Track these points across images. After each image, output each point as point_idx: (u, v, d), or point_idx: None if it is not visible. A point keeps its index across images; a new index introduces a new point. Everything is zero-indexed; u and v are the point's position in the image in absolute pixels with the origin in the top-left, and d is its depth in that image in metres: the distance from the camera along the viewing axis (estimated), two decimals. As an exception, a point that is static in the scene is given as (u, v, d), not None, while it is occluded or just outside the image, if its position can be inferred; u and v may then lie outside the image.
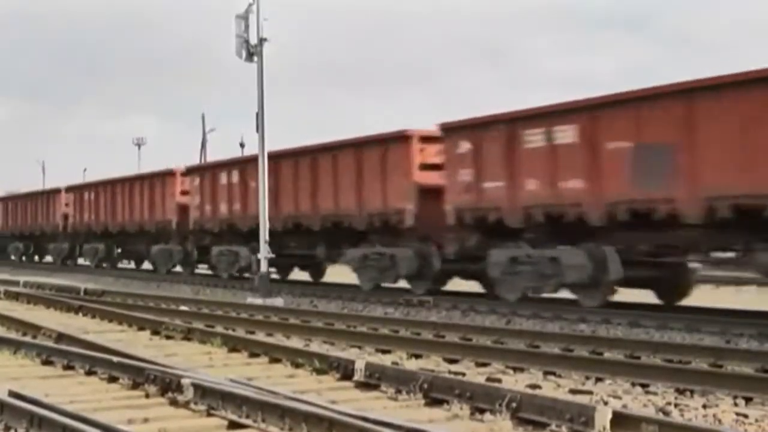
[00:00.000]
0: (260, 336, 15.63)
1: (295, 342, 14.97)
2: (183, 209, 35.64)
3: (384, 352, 13.80)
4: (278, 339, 15.38)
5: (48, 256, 50.23)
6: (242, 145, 67.23)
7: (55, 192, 48.41)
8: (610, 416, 7.71)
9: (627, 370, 11.27)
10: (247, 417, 8.37)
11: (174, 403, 9.27)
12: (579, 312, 18.90)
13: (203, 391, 9.08)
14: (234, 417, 8.46)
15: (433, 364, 12.52)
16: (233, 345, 13.96)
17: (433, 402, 9.40)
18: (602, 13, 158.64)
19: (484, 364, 12.33)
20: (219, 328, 16.34)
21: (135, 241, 39.98)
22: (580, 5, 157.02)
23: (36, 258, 52.30)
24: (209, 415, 8.75)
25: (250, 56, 25.52)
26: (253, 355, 13.22)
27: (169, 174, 37.40)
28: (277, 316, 19.29)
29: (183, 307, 21.10)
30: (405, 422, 7.46)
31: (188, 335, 15.42)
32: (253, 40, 25.37)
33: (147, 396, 9.78)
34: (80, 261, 46.10)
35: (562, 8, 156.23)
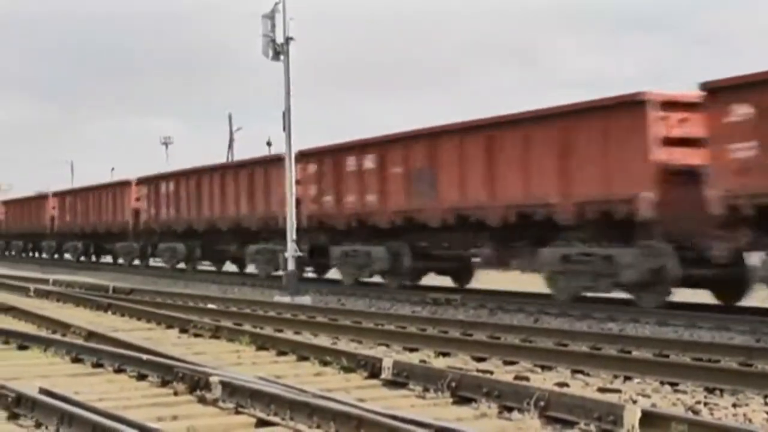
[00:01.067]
0: (288, 334, 15.66)
1: (323, 340, 14.98)
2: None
3: (411, 350, 13.80)
4: (306, 337, 15.40)
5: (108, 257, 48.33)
6: (269, 144, 67.28)
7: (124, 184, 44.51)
8: (639, 415, 7.68)
9: (656, 368, 11.20)
10: (276, 415, 8.38)
11: (202, 401, 9.30)
12: (607, 311, 18.83)
13: (231, 389, 9.11)
14: (262, 415, 8.48)
15: (461, 362, 12.51)
16: (261, 343, 14.00)
17: (461, 400, 9.39)
18: (629, 13, 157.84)
19: (512, 363, 12.30)
20: (247, 327, 16.37)
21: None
22: (608, 5, 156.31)
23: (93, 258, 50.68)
24: (237, 413, 8.77)
25: (276, 55, 25.62)
26: (281, 353, 13.24)
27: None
28: (305, 314, 19.30)
29: (211, 306, 21.16)
30: (433, 420, 7.46)
31: (216, 333, 15.47)
32: (279, 40, 25.45)
33: (175, 394, 9.82)
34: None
35: (589, 8, 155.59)
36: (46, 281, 29.98)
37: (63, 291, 25.64)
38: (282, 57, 25.63)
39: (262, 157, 34.06)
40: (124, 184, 44.14)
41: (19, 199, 63.82)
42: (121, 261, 44.85)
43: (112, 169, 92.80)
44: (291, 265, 25.44)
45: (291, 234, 25.69)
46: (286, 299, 23.51)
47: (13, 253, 61.83)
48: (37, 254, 58.76)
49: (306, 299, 23.90)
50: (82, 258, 50.00)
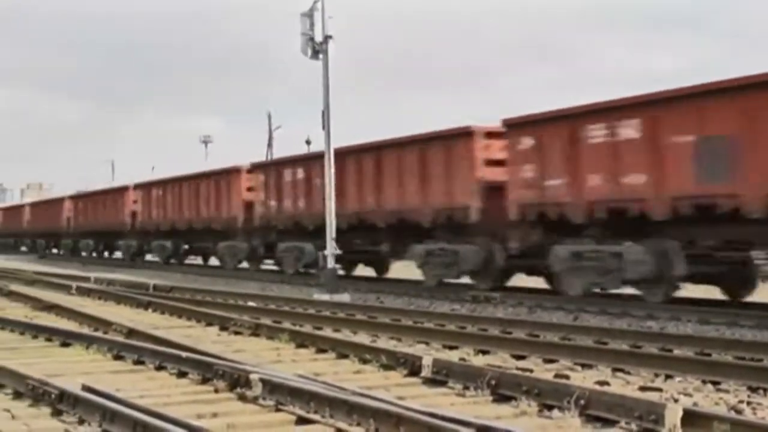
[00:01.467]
0: (327, 332, 15.68)
1: (362, 338, 14.99)
2: (248, 206, 36.59)
3: (451, 348, 13.78)
4: (345, 335, 15.42)
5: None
6: (308, 143, 67.53)
7: (124, 189, 49.01)
8: (680, 414, 7.63)
9: (697, 367, 11.11)
10: (315, 412, 8.41)
11: (242, 398, 9.34)
12: (647, 309, 18.73)
13: (271, 387, 9.14)
14: (302, 412, 8.51)
15: (501, 360, 12.48)
16: (301, 341, 14.03)
17: (501, 398, 9.38)
18: (667, 10, 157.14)
19: (552, 361, 12.26)
20: (286, 324, 16.41)
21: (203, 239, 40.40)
22: (645, 2, 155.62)
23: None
24: (277, 410, 8.80)
25: (315, 54, 25.68)
26: (320, 350, 13.27)
27: (234, 171, 37.84)
28: (344, 312, 19.32)
29: (251, 303, 21.24)
30: (473, 419, 7.45)
31: (256, 331, 15.52)
32: (318, 38, 25.51)
33: (216, 391, 9.86)
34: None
35: (626, 6, 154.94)
36: (87, 279, 30.23)
37: (104, 289, 25.84)
38: (321, 55, 25.70)
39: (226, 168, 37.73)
40: (123, 189, 48.78)
41: (90, 193, 60.93)
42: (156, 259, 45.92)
43: (152, 168, 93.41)
44: (330, 263, 25.50)
45: (330, 232, 25.73)
46: (325, 297, 23.56)
47: (83, 254, 57.16)
48: (110, 255, 55.21)
49: (345, 297, 23.93)
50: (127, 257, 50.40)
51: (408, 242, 26.90)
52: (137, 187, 48.43)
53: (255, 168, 36.38)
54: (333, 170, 26.18)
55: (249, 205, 35.91)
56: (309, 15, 25.45)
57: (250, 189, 36.00)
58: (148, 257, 47.18)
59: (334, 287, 24.77)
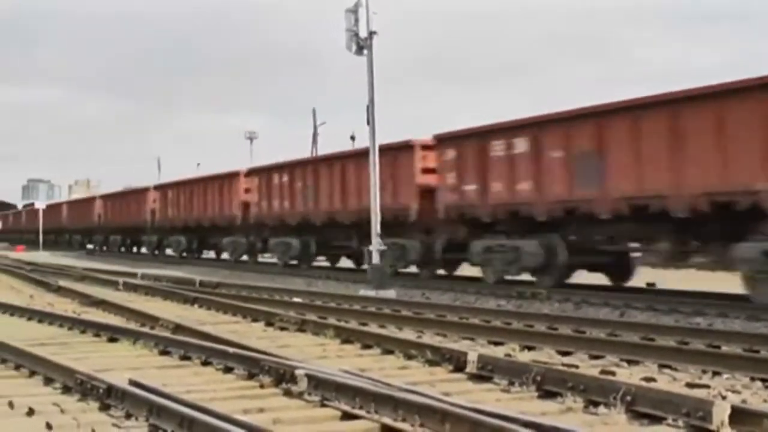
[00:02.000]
0: (373, 328, 15.70)
1: (408, 334, 14.99)
2: (245, 206, 40.40)
3: (496, 344, 13.74)
4: (390, 331, 15.42)
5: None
6: (353, 138, 67.59)
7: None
8: (729, 411, 7.56)
9: (746, 364, 10.99)
10: (361, 408, 8.42)
11: (288, 393, 9.38)
12: (695, 305, 18.58)
13: (317, 382, 9.17)
14: (347, 408, 8.52)
15: (546, 356, 12.43)
16: (346, 336, 14.06)
17: (546, 394, 9.34)
18: (705, 6, 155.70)
19: (598, 357, 12.19)
20: (332, 320, 16.46)
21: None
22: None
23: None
24: (323, 405, 8.83)
25: (360, 49, 25.72)
26: (365, 346, 13.29)
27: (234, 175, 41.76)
28: (390, 307, 19.33)
29: (296, 299, 21.31)
30: (518, 415, 7.42)
31: (302, 327, 15.57)
32: (363, 34, 25.54)
33: (261, 387, 9.91)
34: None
35: (664, 2, 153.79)
36: (134, 275, 30.47)
37: (151, 285, 26.03)
38: (365, 51, 25.73)
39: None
40: (145, 190, 50.85)
41: (117, 193, 65.99)
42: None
43: (198, 164, 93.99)
44: (376, 259, 25.52)
45: (375, 228, 25.76)
46: (371, 293, 23.58)
47: (107, 248, 62.55)
48: (137, 249, 59.09)
49: (391, 293, 23.92)
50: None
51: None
52: (157, 188, 53.69)
53: (251, 173, 40.69)
54: (378, 166, 26.22)
55: (246, 206, 40.13)
56: (353, 11, 25.52)
57: (247, 191, 40.11)
58: (168, 251, 51.29)
59: (379, 283, 24.78)
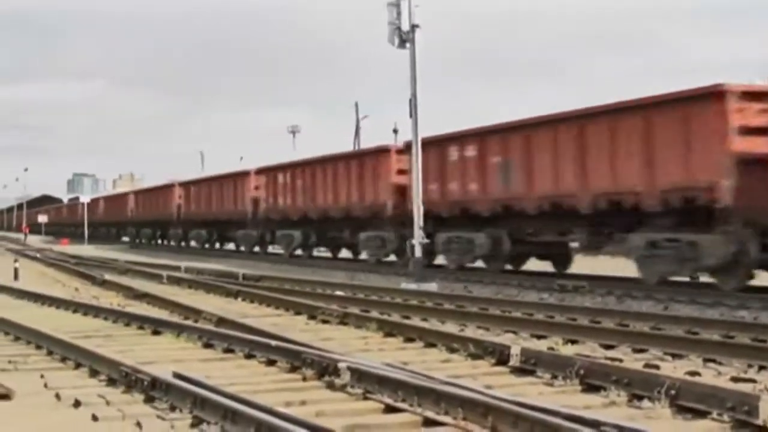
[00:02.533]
0: (415, 321, 15.71)
1: (450, 327, 14.98)
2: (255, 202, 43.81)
3: (539, 337, 13.71)
4: (433, 324, 15.41)
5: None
6: (395, 131, 67.50)
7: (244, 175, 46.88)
8: (774, 405, 7.49)
9: (792, 358, 10.91)
10: (403, 401, 8.42)
11: (331, 386, 9.40)
12: (740, 299, 18.44)
13: (360, 375, 9.18)
14: (390, 401, 8.53)
15: (589, 349, 12.38)
16: (388, 330, 14.08)
17: (590, 388, 9.31)
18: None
19: (642, 351, 12.12)
20: (374, 313, 16.48)
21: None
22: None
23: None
24: (365, 398, 8.85)
25: (402, 43, 25.69)
26: (408, 339, 13.30)
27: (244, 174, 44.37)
28: (432, 301, 19.33)
29: (338, 292, 21.34)
30: (561, 408, 7.40)
31: (344, 320, 15.61)
32: (405, 27, 25.51)
33: (304, 379, 9.94)
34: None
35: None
36: (177, 268, 30.65)
37: (194, 278, 26.18)
38: (408, 44, 25.70)
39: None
40: (170, 186, 52.57)
41: (146, 189, 67.68)
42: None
43: (241, 158, 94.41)
44: (418, 252, 25.52)
45: (418, 221, 25.76)
46: (413, 286, 23.58)
47: (143, 240, 65.11)
48: (165, 242, 61.38)
49: (432, 286, 23.91)
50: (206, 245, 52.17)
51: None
52: (181, 184, 56.63)
53: (260, 172, 44.15)
54: (420, 160, 26.22)
55: (256, 202, 43.69)
56: (395, 4, 25.49)
57: (257, 188, 43.76)
58: (192, 243, 54.32)
59: (421, 276, 24.77)
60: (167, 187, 59.52)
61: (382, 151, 33.45)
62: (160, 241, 62.72)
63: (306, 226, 38.88)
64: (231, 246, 49.79)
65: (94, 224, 79.39)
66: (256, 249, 44.81)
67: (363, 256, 35.22)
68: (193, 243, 54.37)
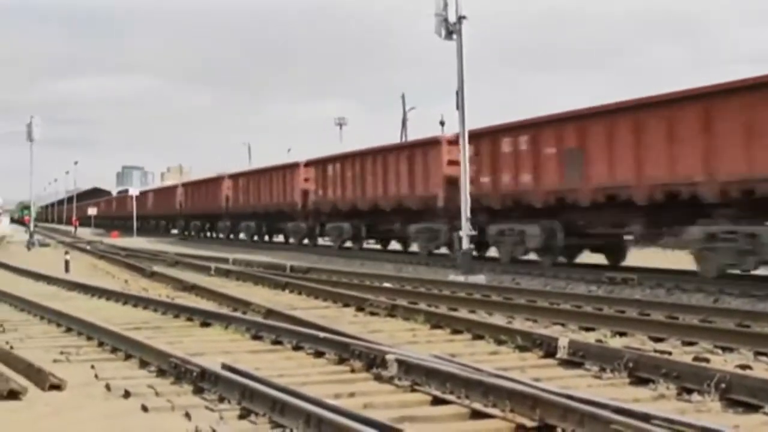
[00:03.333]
0: (463, 313, 15.68)
1: (498, 319, 14.95)
2: (305, 194, 43.72)
3: (587, 329, 13.64)
4: (481, 316, 15.39)
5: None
6: (442, 124, 67.48)
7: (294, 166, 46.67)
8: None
9: None
10: (451, 393, 8.42)
11: (378, 378, 9.42)
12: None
13: (407, 367, 9.19)
14: (437, 393, 8.54)
15: (638, 342, 12.30)
16: (436, 322, 14.08)
17: (639, 381, 9.26)
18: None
19: (691, 343, 12.03)
20: (422, 305, 16.47)
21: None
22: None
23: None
24: (413, 390, 8.85)
25: (449, 34, 25.61)
26: (455, 331, 13.30)
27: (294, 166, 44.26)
28: (479, 293, 19.28)
29: (386, 284, 21.36)
30: (610, 401, 7.37)
31: (392, 312, 15.62)
32: (452, 19, 25.43)
33: (352, 371, 9.97)
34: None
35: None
36: (225, 260, 30.82)
37: (242, 270, 26.31)
38: (455, 36, 25.62)
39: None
40: (220, 179, 52.44)
41: (195, 181, 67.99)
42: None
43: (288, 150, 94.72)
44: (465, 244, 25.48)
45: (465, 213, 25.72)
46: (460, 278, 23.55)
47: (192, 233, 65.84)
48: (214, 234, 61.95)
49: (480, 278, 23.87)
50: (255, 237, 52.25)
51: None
52: (230, 176, 56.88)
53: (309, 164, 44.15)
54: (467, 152, 26.15)
55: (305, 193, 43.59)
56: (443, -5, 25.39)
57: (306, 180, 43.67)
58: (241, 236, 54.38)
59: (469, 268, 24.74)
60: (216, 180, 60.02)
61: (433, 142, 33.26)
62: (209, 234, 63.33)
63: (356, 218, 38.73)
64: (280, 238, 49.85)
65: (144, 217, 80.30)
66: (306, 241, 44.77)
67: (414, 248, 35.01)
68: (242, 235, 54.61)
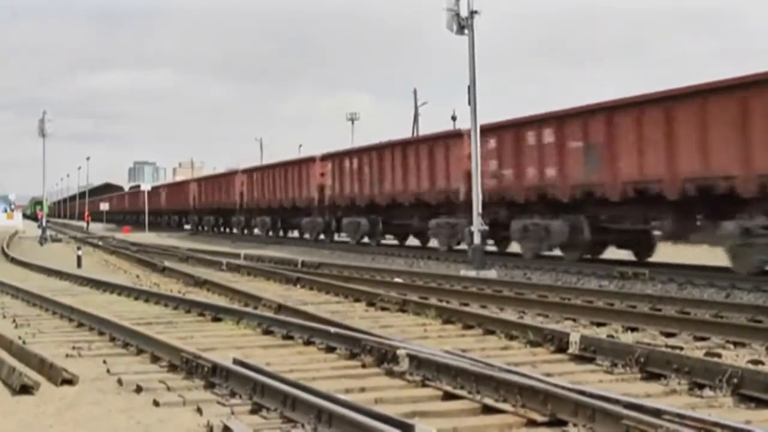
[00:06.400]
0: (474, 308, 15.68)
1: (509, 314, 14.94)
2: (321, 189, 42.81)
3: (599, 324, 13.63)
4: (492, 311, 15.38)
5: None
6: (454, 119, 67.41)
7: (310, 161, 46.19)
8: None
9: None
10: (462, 388, 8.43)
11: (390, 373, 9.43)
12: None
13: (418, 362, 9.20)
14: (449, 388, 8.54)
15: (650, 337, 12.29)
16: (447, 317, 14.07)
17: (650, 376, 9.24)
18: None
19: (703, 339, 12.01)
20: (433, 300, 16.47)
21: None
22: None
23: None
24: (424, 385, 8.86)
25: (461, 29, 25.57)
26: (467, 326, 13.29)
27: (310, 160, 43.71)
28: (491, 288, 19.28)
29: (397, 279, 21.36)
30: (621, 396, 7.36)
31: (403, 307, 15.62)
32: (464, 13, 25.40)
33: (363, 366, 9.98)
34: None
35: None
36: (237, 256, 30.85)
37: (253, 265, 26.34)
38: (466, 31, 25.58)
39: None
40: (233, 174, 52.66)
41: (208, 176, 68.24)
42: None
43: (300, 145, 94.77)
44: (477, 239, 25.45)
45: (477, 208, 25.69)
46: (472, 273, 23.53)
47: (205, 228, 65.88)
48: (228, 230, 61.93)
49: (491, 273, 23.86)
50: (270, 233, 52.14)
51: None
52: (244, 171, 56.97)
53: (325, 158, 43.18)
54: (479, 147, 26.12)
55: (322, 188, 42.86)
56: (454, -10, 25.35)
57: (322, 175, 42.80)
58: (255, 231, 54.55)
59: (480, 263, 24.72)
60: (230, 175, 60.06)
61: (454, 136, 32.72)
62: (222, 229, 63.26)
63: (373, 213, 38.18)
64: (295, 234, 49.56)
65: (156, 212, 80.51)
66: (322, 237, 44.17)
67: (432, 243, 34.64)
68: (256, 231, 54.47)
